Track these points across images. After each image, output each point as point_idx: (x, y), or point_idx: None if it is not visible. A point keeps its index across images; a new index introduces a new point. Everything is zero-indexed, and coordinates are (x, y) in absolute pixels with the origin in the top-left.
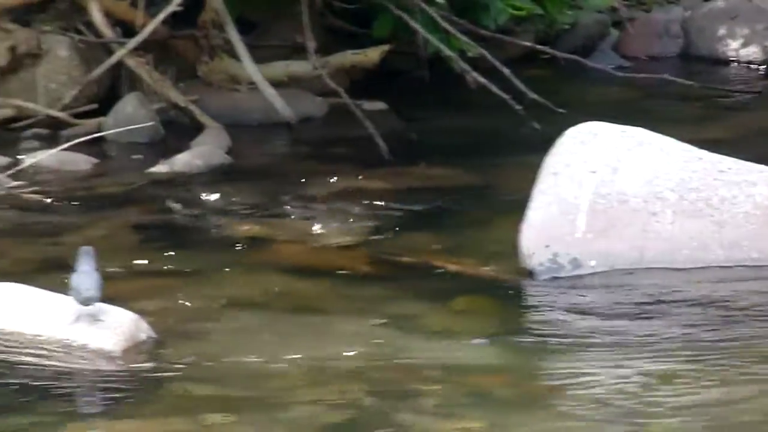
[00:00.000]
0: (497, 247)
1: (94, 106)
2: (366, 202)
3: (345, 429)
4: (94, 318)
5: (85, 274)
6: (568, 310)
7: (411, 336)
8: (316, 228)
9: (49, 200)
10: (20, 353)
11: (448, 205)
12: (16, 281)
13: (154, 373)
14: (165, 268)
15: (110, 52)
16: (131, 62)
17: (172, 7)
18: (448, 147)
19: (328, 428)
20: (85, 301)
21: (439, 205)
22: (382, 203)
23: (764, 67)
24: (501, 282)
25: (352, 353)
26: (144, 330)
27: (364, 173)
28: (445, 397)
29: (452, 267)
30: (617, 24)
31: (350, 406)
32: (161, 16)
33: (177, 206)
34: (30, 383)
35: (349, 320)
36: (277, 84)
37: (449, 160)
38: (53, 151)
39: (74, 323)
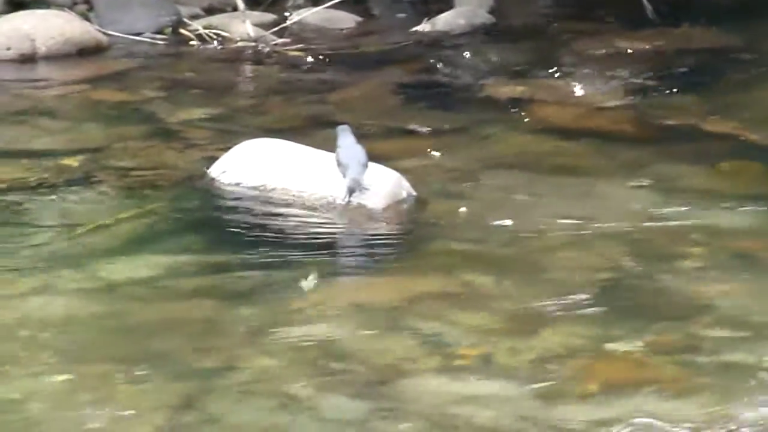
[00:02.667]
0: (762, 110)
1: None
2: (630, 63)
3: (604, 291)
4: (362, 189)
5: (349, 150)
6: None
7: (674, 198)
8: (579, 89)
9: (313, 58)
10: (285, 209)
11: (713, 66)
12: (281, 138)
13: (415, 231)
14: (426, 127)
15: None
16: None
17: None
18: (712, 8)
19: (587, 289)
20: (353, 182)
21: (704, 67)
22: (646, 64)
23: None
24: (766, 144)
25: (613, 215)
26: (405, 188)
27: (628, 34)
28: (708, 260)
29: (717, 129)
30: None
31: (610, 268)
32: None
33: (439, 66)
34: (294, 238)
35: (611, 182)
36: None
37: (714, 21)
38: (318, 8)
39: (345, 198)
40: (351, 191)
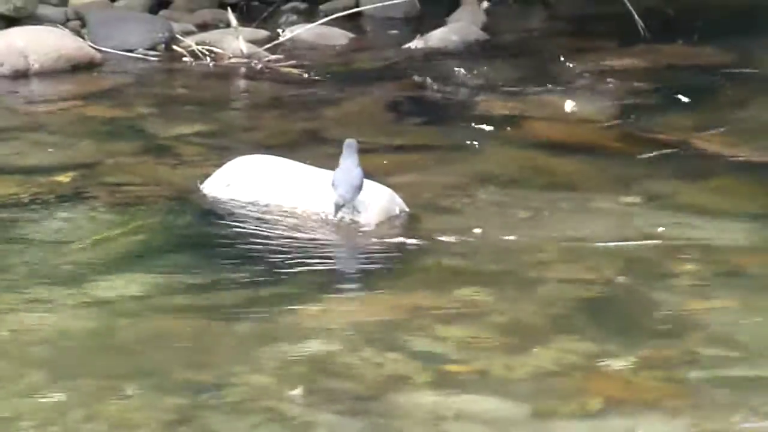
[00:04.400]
0: (754, 126)
1: None
2: (622, 79)
3: (597, 306)
4: (353, 211)
5: (345, 172)
6: None
7: (666, 214)
8: (571, 105)
9: (306, 74)
10: (278, 225)
11: (704, 83)
12: (273, 153)
13: (407, 246)
14: (419, 143)
15: None
16: None
17: None
18: (705, 25)
19: (581, 306)
20: (339, 198)
21: (696, 83)
22: (638, 81)
23: None
24: (758, 161)
25: (605, 230)
26: (398, 204)
27: (620, 51)
28: (699, 275)
29: (708, 145)
30: None
31: (602, 283)
32: None
33: (432, 82)
34: (287, 254)
35: (602, 197)
36: None
37: (707, 38)
38: (311, 25)
39: (335, 216)
40: (337, 208)
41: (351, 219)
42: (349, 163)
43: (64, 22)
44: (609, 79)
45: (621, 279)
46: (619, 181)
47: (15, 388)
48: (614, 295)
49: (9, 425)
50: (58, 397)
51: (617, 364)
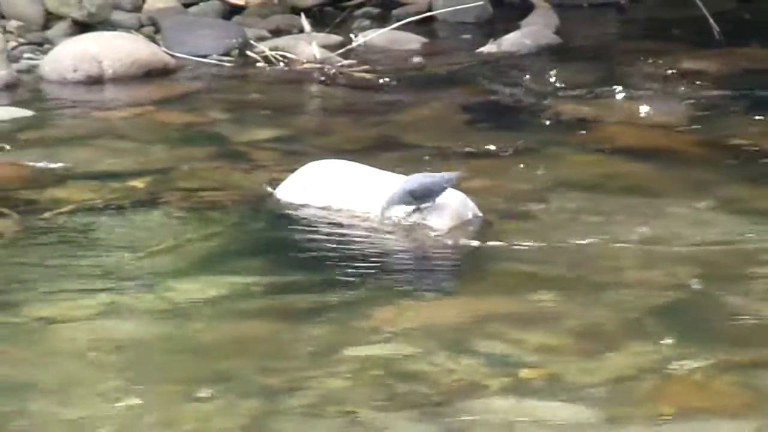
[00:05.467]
0: None
1: None
2: (696, 83)
3: (672, 312)
4: (422, 215)
5: (417, 181)
6: None
7: (741, 219)
8: (645, 109)
9: (379, 79)
10: (351, 230)
11: None
12: (346, 158)
13: (481, 251)
14: (491, 147)
15: None
16: None
17: None
18: None
19: (656, 311)
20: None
21: None
22: (713, 84)
23: None
24: None
25: (680, 235)
26: (470, 209)
27: (695, 54)
28: None
29: None
30: None
31: (678, 288)
32: None
33: (505, 86)
34: (359, 259)
35: (677, 202)
36: None
37: None
38: (384, 30)
39: (407, 217)
40: (409, 213)
41: (423, 224)
42: (433, 177)
43: (138, 28)
44: (683, 83)
45: (696, 284)
46: (694, 185)
47: (91, 392)
48: (689, 300)
49: (86, 430)
50: (134, 401)
51: (692, 369)
